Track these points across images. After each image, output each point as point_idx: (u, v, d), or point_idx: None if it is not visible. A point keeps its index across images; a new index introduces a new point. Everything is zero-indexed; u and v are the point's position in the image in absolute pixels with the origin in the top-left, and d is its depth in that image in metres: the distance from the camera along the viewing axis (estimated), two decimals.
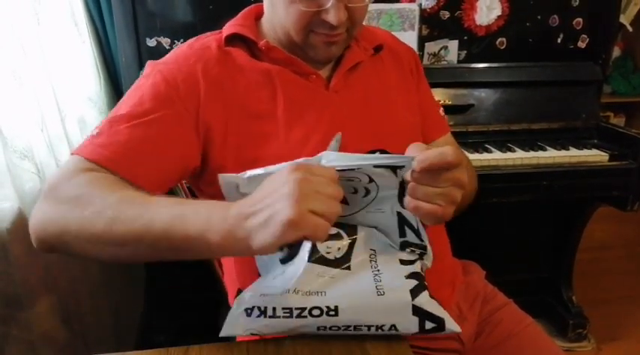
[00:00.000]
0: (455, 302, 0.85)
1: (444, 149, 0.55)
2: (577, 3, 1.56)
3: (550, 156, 1.38)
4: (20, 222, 0.92)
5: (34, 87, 1.02)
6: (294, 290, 0.60)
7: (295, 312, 0.59)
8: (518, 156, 1.37)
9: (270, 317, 0.60)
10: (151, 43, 1.41)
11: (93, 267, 1.25)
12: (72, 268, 1.11)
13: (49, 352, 0.98)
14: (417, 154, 0.56)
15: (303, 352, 0.61)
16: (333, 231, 0.64)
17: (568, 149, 1.42)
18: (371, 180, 0.61)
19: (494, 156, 1.36)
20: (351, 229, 0.66)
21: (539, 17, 1.57)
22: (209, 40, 0.80)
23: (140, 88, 0.72)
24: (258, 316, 0.60)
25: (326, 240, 0.57)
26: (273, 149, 0.73)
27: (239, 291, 0.64)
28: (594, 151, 1.41)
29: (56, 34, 1.20)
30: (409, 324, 0.60)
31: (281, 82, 0.77)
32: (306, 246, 0.63)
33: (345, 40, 0.78)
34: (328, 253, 0.62)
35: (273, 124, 0.75)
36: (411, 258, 0.66)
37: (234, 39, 0.79)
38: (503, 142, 1.45)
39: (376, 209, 0.64)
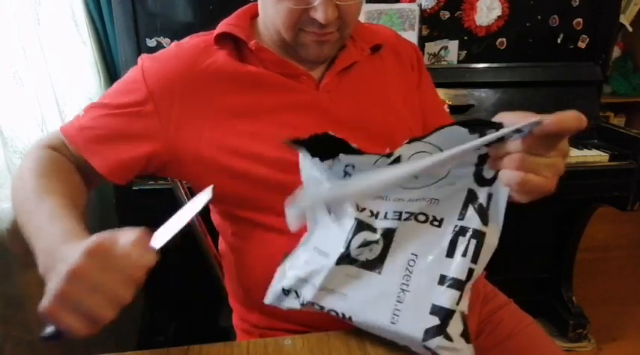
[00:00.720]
0: None
1: (564, 114, 0.49)
2: (577, 3, 1.56)
3: None
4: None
5: (34, 87, 1.02)
6: (324, 288, 0.61)
7: (317, 308, 0.62)
8: None
9: (302, 304, 0.63)
10: (151, 43, 1.41)
11: None
12: None
13: (48, 352, 0.98)
14: (522, 121, 0.50)
15: (303, 352, 0.61)
16: (371, 235, 0.61)
17: None
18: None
19: None
20: (388, 232, 0.60)
21: (539, 17, 1.57)
22: (199, 41, 0.80)
23: (124, 80, 0.78)
24: (295, 298, 0.64)
25: (361, 244, 0.59)
26: (264, 146, 0.73)
27: (285, 255, 0.66)
28: (594, 151, 1.41)
29: (56, 34, 1.20)
30: (422, 351, 0.59)
31: (267, 86, 0.77)
32: (335, 247, 0.61)
33: (338, 40, 0.77)
34: (358, 255, 0.60)
35: (259, 124, 0.75)
36: (458, 273, 0.58)
37: (224, 38, 0.79)
38: None
39: (448, 182, 0.59)
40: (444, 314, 0.57)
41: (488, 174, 0.57)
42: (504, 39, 1.57)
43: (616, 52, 2.77)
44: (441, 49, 1.56)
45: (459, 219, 0.59)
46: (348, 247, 0.60)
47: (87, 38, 1.41)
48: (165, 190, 1.15)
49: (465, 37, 1.56)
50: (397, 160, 0.58)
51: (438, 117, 0.91)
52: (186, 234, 1.05)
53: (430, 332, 0.57)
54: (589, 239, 1.80)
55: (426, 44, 1.54)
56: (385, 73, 0.86)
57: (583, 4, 1.56)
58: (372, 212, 0.61)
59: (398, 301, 0.58)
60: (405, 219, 0.60)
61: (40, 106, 1.03)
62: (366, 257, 0.60)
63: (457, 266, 0.58)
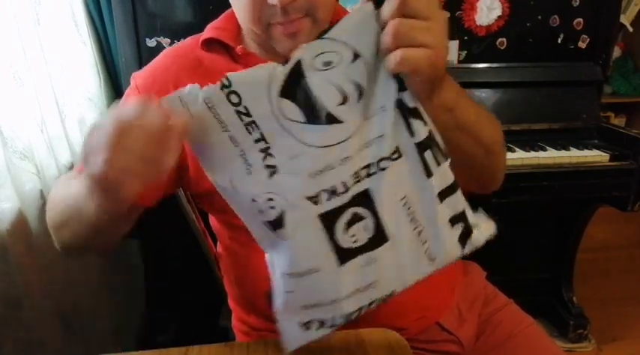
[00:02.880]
0: (455, 303, 0.84)
1: None
2: (577, 3, 1.56)
3: (550, 156, 1.38)
4: (20, 223, 0.92)
5: (34, 87, 1.02)
6: (346, 296, 0.55)
7: (355, 314, 0.56)
8: (519, 157, 1.36)
9: (331, 326, 0.57)
10: (151, 43, 1.41)
11: (93, 268, 1.25)
12: (72, 269, 1.11)
13: (48, 353, 0.98)
14: None
15: (303, 353, 0.61)
16: (347, 214, 0.53)
17: (568, 149, 1.41)
18: (356, 57, 0.49)
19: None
20: (362, 197, 0.53)
21: (539, 17, 1.57)
22: (186, 46, 0.79)
23: (122, 103, 0.74)
24: (318, 328, 0.57)
25: (347, 229, 0.52)
26: None
27: (268, 296, 0.59)
28: (595, 152, 1.41)
29: (56, 34, 1.20)
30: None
31: None
32: (318, 257, 0.53)
33: (313, 29, 0.71)
34: (355, 241, 0.53)
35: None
36: (446, 180, 0.54)
37: (212, 42, 0.78)
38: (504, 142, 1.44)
39: (378, 108, 0.52)
40: (461, 217, 0.55)
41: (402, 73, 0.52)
42: (504, 39, 1.57)
43: (616, 52, 2.76)
44: None
45: (411, 137, 0.52)
46: (335, 244, 0.53)
47: (87, 38, 1.41)
48: None
49: (465, 37, 1.56)
50: (298, 68, 0.49)
51: None
52: (187, 234, 1.06)
53: (462, 239, 0.56)
54: (589, 239, 1.80)
55: None
56: None
57: (583, 4, 1.56)
58: (329, 192, 0.52)
59: (422, 244, 0.55)
60: (367, 176, 0.53)
61: (40, 106, 1.03)
62: (365, 237, 0.54)
63: (441, 177, 0.54)
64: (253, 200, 0.53)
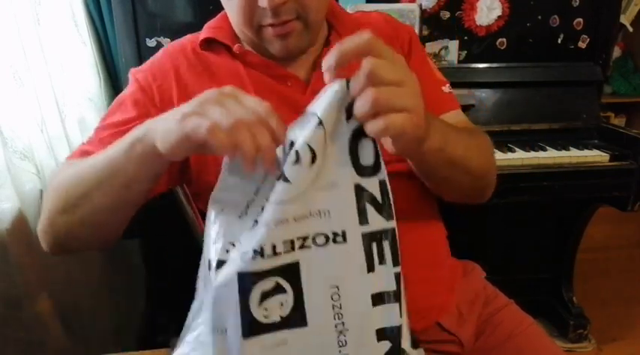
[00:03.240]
0: (455, 303, 0.84)
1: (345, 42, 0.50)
2: (577, 3, 1.56)
3: (550, 156, 1.38)
4: (20, 223, 0.92)
5: (34, 87, 1.02)
6: None
7: None
8: (519, 157, 1.36)
9: None
10: (151, 43, 1.41)
11: (93, 268, 1.25)
12: (72, 269, 1.11)
13: (48, 353, 0.98)
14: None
15: None
16: (269, 283, 0.48)
17: (568, 149, 1.41)
18: (320, 124, 0.49)
19: (495, 157, 1.36)
20: (289, 269, 0.48)
21: (539, 17, 1.57)
22: (185, 43, 0.80)
23: (122, 97, 0.77)
24: None
25: (262, 300, 0.47)
26: None
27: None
28: (595, 152, 1.40)
29: (56, 34, 1.20)
30: None
31: (253, 89, 0.75)
32: (230, 319, 0.48)
33: (304, 31, 0.72)
34: (267, 316, 0.48)
35: None
36: (386, 285, 0.50)
37: (210, 42, 0.78)
38: (504, 142, 1.44)
39: (328, 182, 0.50)
40: (394, 335, 0.51)
41: (365, 159, 0.50)
42: (504, 39, 1.57)
43: (616, 52, 2.76)
44: (441, 49, 1.56)
45: (362, 225, 0.50)
46: (246, 312, 0.47)
47: (87, 38, 1.41)
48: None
49: (465, 37, 1.56)
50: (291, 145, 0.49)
51: (430, 99, 0.88)
52: (187, 234, 1.06)
53: None
54: (589, 239, 1.80)
55: (426, 44, 1.54)
56: None
57: (583, 4, 1.56)
58: (256, 251, 0.47)
59: (341, 346, 0.49)
60: (301, 248, 0.49)
61: (40, 106, 1.03)
62: (279, 314, 0.48)
63: (383, 279, 0.50)
64: (231, 244, 0.50)
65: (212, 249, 0.50)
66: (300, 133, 0.49)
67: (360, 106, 0.48)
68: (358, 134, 0.50)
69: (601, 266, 2.22)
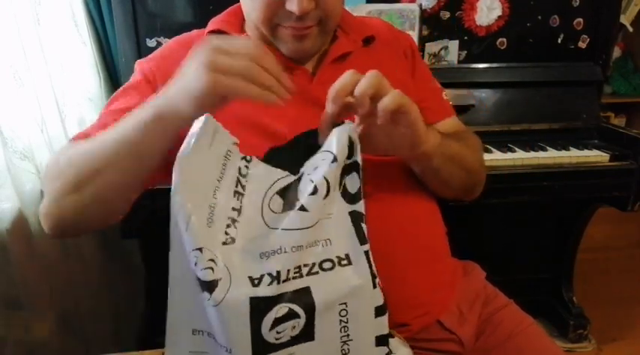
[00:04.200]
0: (455, 303, 0.84)
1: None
2: (577, 3, 1.56)
3: (550, 156, 1.38)
4: (20, 223, 0.92)
5: (34, 87, 1.02)
6: None
7: None
8: (519, 157, 1.36)
9: None
10: (151, 43, 1.41)
11: (93, 268, 1.25)
12: (72, 269, 1.11)
13: (48, 353, 0.98)
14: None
15: None
16: (282, 309, 0.50)
17: (568, 149, 1.41)
18: (334, 160, 0.56)
19: (495, 157, 1.36)
20: (302, 296, 0.51)
21: (539, 17, 1.57)
22: (192, 36, 0.82)
23: (127, 86, 0.79)
24: None
25: (275, 325, 0.49)
26: (259, 141, 0.72)
27: None
28: (595, 152, 1.40)
29: (56, 34, 1.20)
30: None
31: None
32: (238, 340, 0.49)
33: (320, 35, 0.74)
34: (278, 339, 0.50)
35: (255, 118, 0.74)
36: (381, 302, 0.55)
37: (219, 34, 0.79)
38: (504, 143, 1.44)
39: (329, 212, 0.55)
40: (385, 340, 0.56)
41: (352, 187, 0.57)
42: (504, 39, 1.57)
43: (616, 52, 2.76)
44: (441, 49, 1.56)
45: (362, 245, 0.54)
46: (258, 335, 0.49)
47: (87, 38, 1.41)
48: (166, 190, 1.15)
49: (465, 37, 1.56)
50: (300, 177, 0.57)
51: (430, 105, 0.88)
52: None
53: None
54: (589, 239, 1.80)
55: (426, 44, 1.54)
56: (380, 65, 0.84)
57: (583, 4, 1.56)
58: (272, 276, 0.50)
59: (344, 354, 0.53)
60: (309, 274, 0.52)
61: (40, 106, 1.03)
62: (290, 335, 0.50)
63: (380, 293, 0.54)
64: (197, 249, 0.50)
65: (190, 266, 0.51)
66: (311, 167, 0.56)
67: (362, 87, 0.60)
68: (348, 168, 0.57)
69: (601, 267, 2.22)
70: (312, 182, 0.54)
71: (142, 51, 1.39)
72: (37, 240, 0.95)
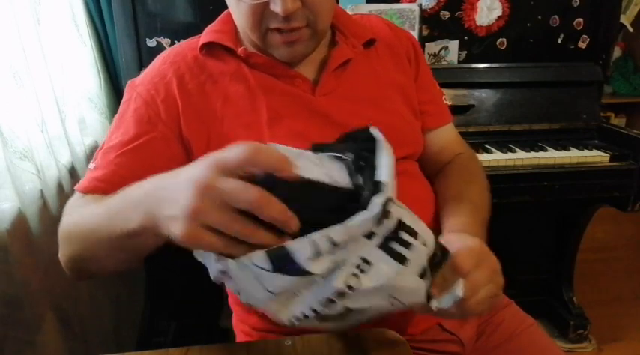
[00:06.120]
0: None
1: (458, 254, 0.58)
2: (577, 3, 1.56)
3: (551, 156, 1.38)
4: (20, 223, 0.91)
5: (34, 87, 1.01)
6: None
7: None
8: (519, 157, 1.37)
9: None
10: (151, 43, 1.41)
11: None
12: None
13: (48, 353, 0.98)
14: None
15: (303, 352, 0.61)
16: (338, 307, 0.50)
17: (569, 149, 1.42)
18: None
19: (495, 157, 1.36)
20: (351, 314, 0.51)
21: (539, 18, 1.57)
22: (183, 49, 0.79)
23: (124, 115, 0.75)
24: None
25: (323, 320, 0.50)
26: None
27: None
28: (595, 152, 1.41)
29: (56, 34, 1.20)
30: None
31: (262, 91, 0.75)
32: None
33: (312, 38, 0.72)
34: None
35: (257, 134, 0.73)
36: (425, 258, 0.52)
37: (212, 46, 0.77)
38: (504, 143, 1.44)
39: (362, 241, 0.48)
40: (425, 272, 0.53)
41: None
42: (504, 39, 1.57)
43: (616, 52, 2.77)
44: (441, 49, 1.56)
45: (370, 240, 0.48)
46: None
47: (87, 38, 1.41)
48: None
49: (465, 37, 1.56)
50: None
51: (432, 109, 0.89)
52: None
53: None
54: (589, 239, 1.80)
55: (426, 44, 1.54)
56: (381, 68, 0.84)
57: (583, 4, 1.56)
58: (339, 293, 0.49)
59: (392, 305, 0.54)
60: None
61: (40, 107, 1.03)
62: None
63: (420, 257, 0.51)
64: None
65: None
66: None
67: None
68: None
69: (602, 267, 2.22)
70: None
71: (142, 51, 1.39)
72: (37, 240, 0.95)
